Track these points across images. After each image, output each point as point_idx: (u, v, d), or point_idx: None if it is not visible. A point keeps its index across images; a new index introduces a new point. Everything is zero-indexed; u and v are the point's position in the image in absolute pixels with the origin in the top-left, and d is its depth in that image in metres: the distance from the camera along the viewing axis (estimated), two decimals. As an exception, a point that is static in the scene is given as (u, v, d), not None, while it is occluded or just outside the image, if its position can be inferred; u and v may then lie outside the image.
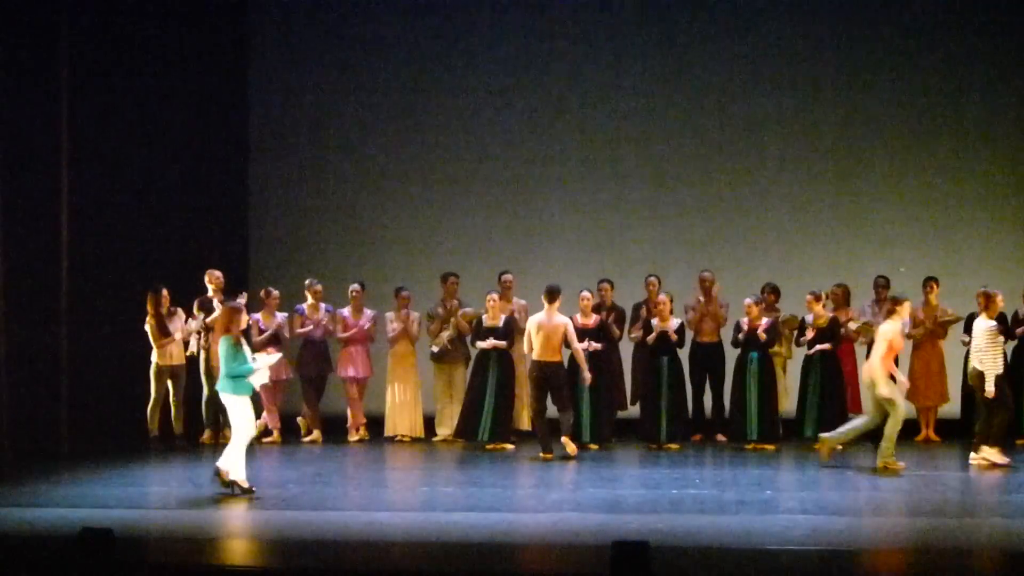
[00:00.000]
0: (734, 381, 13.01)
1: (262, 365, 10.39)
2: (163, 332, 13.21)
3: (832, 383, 12.90)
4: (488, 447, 12.88)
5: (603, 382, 12.94)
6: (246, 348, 10.42)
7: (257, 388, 10.51)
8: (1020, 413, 13.04)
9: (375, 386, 14.08)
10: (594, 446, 12.85)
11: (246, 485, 10.27)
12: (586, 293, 13.01)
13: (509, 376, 13.07)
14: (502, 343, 12.94)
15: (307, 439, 13.85)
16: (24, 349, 12.12)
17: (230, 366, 10.23)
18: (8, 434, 11.89)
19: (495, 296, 13.08)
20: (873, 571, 7.92)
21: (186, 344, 13.49)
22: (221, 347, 10.32)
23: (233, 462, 10.28)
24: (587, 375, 12.25)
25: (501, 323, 13.01)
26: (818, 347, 12.85)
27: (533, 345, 12.27)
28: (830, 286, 13.50)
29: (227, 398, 10.35)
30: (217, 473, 10.32)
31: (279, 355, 11.06)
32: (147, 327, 13.18)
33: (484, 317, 13.07)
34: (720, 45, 15.35)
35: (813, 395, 12.90)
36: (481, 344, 12.95)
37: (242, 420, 10.33)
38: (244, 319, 10.54)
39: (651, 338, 12.92)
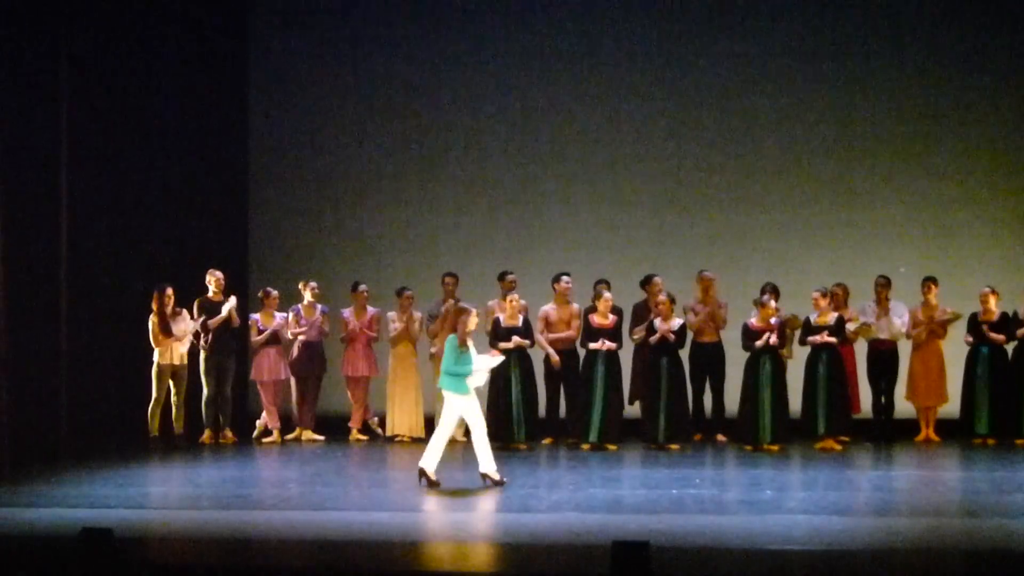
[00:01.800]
0: (745, 384, 12.96)
1: (483, 367, 10.56)
2: (165, 331, 13.22)
3: (839, 381, 12.90)
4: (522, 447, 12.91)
5: (616, 382, 12.96)
6: (472, 349, 10.53)
7: (474, 388, 10.63)
8: (1020, 413, 13.06)
9: (376, 386, 14.09)
10: (612, 446, 12.84)
11: (496, 477, 10.52)
12: (608, 294, 13.03)
13: (531, 373, 13.11)
14: (526, 342, 12.97)
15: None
16: (24, 349, 12.11)
17: (452, 365, 10.42)
18: (8, 434, 11.88)
19: (515, 296, 13.09)
20: (873, 571, 7.91)
21: (193, 343, 13.50)
22: (447, 346, 10.50)
23: (481, 456, 10.53)
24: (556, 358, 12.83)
25: (520, 322, 13.02)
26: (823, 338, 12.79)
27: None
28: (830, 286, 13.48)
29: (450, 396, 10.54)
30: (422, 474, 10.49)
31: (501, 357, 11.11)
32: (149, 325, 13.20)
33: (502, 317, 13.08)
34: (720, 45, 15.35)
35: (822, 393, 12.87)
36: (504, 345, 12.92)
37: (472, 414, 10.53)
38: (473, 321, 10.63)
39: (654, 339, 12.91)
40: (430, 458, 10.55)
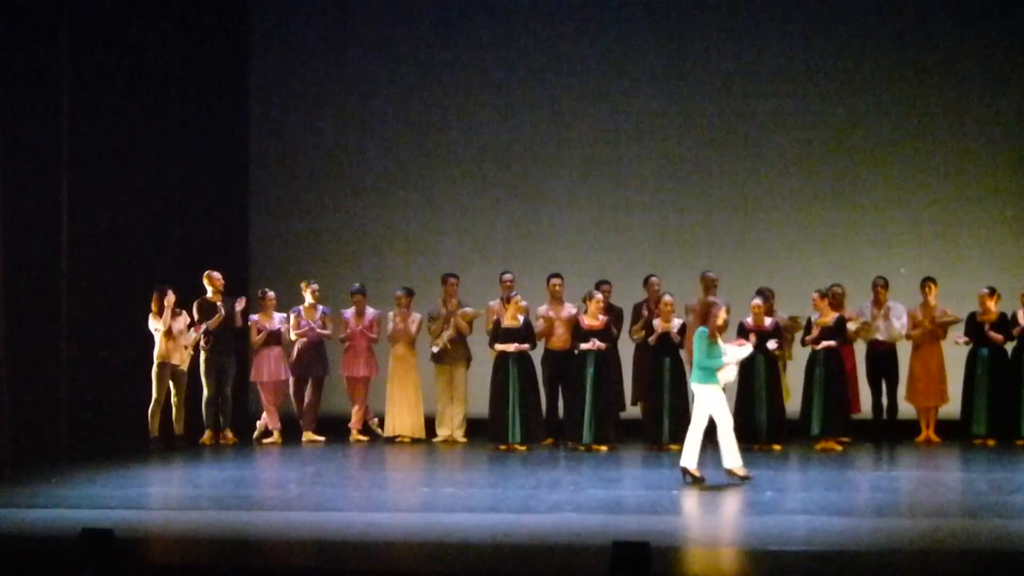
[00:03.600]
0: (740, 383, 12.97)
1: (732, 360, 10.56)
2: (165, 332, 13.19)
3: (837, 381, 12.90)
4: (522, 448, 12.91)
5: (607, 382, 12.95)
6: (721, 342, 10.56)
7: (725, 381, 10.68)
8: (1020, 414, 13.06)
9: (376, 386, 14.09)
10: (603, 447, 12.83)
11: (742, 473, 10.55)
12: (598, 295, 13.01)
13: (531, 375, 13.10)
14: (526, 346, 12.99)
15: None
16: (24, 349, 12.11)
17: (705, 359, 10.45)
18: (8, 434, 11.88)
19: (519, 297, 13.08)
20: (873, 571, 7.91)
21: (197, 345, 13.51)
22: (696, 340, 10.53)
23: (727, 451, 10.53)
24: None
25: (521, 324, 13.02)
26: (824, 344, 12.82)
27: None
28: (827, 286, 13.46)
29: (698, 388, 10.56)
30: (685, 472, 10.52)
31: (750, 348, 11.12)
32: (150, 325, 13.19)
33: (502, 319, 13.08)
34: (720, 45, 15.35)
35: (819, 394, 12.87)
36: (500, 347, 12.92)
37: (719, 408, 10.53)
38: (723, 314, 10.67)
39: (652, 339, 12.91)
40: (689, 455, 10.58)
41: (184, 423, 13.50)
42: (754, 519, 9.23)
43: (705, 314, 10.61)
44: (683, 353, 13.10)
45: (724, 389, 10.67)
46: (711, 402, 10.55)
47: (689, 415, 13.15)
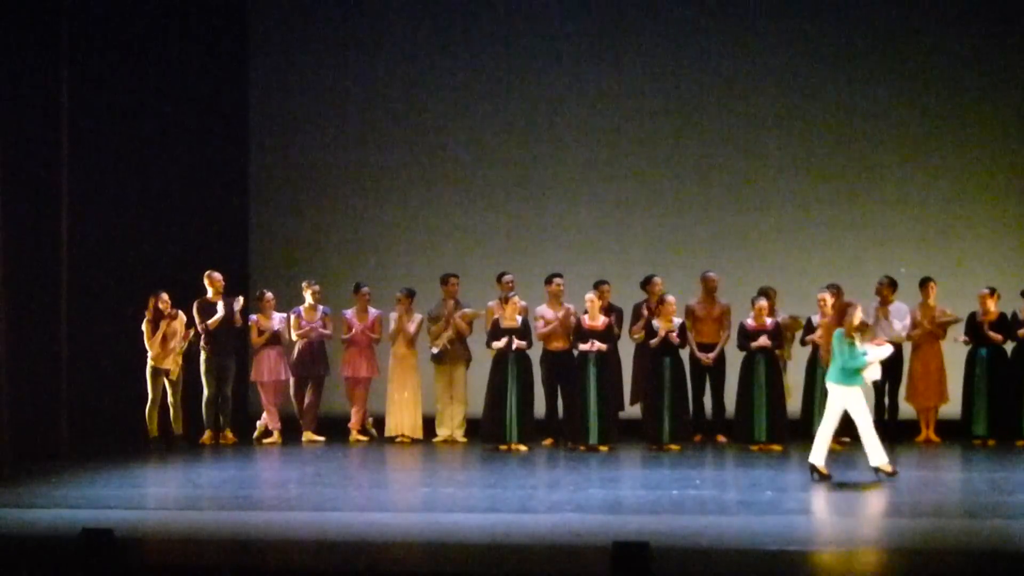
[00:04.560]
0: (740, 382, 12.99)
1: (875, 359, 10.61)
2: (153, 334, 13.18)
3: None
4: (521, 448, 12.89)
5: (607, 382, 12.95)
6: (857, 341, 10.59)
7: (871, 380, 10.79)
8: (1020, 414, 13.06)
9: (376, 386, 14.09)
10: (605, 447, 12.83)
11: (889, 469, 10.65)
12: (590, 295, 13.00)
13: (529, 375, 13.09)
14: (523, 343, 12.98)
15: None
16: (24, 349, 12.11)
17: (848, 359, 10.49)
18: (8, 434, 11.88)
19: (516, 297, 13.08)
20: (873, 571, 7.91)
21: (193, 344, 13.50)
22: (835, 341, 10.57)
23: (871, 449, 10.61)
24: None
25: (519, 323, 13.02)
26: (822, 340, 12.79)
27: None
28: (825, 286, 13.44)
29: (837, 389, 10.59)
30: (813, 469, 10.61)
31: (890, 348, 11.08)
32: (143, 329, 13.20)
33: (500, 318, 13.07)
34: (720, 45, 15.35)
35: (820, 393, 12.85)
36: (497, 344, 12.92)
37: (860, 408, 10.59)
38: (858, 314, 10.69)
39: (654, 342, 12.87)
40: (818, 453, 10.67)
41: (184, 423, 13.50)
42: (755, 519, 9.23)
43: (842, 315, 10.66)
44: (683, 353, 13.11)
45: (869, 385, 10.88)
46: (850, 402, 10.61)
47: (688, 415, 13.24)
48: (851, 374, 10.59)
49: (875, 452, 10.67)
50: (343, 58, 15.86)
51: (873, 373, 10.74)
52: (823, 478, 10.63)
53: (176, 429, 13.43)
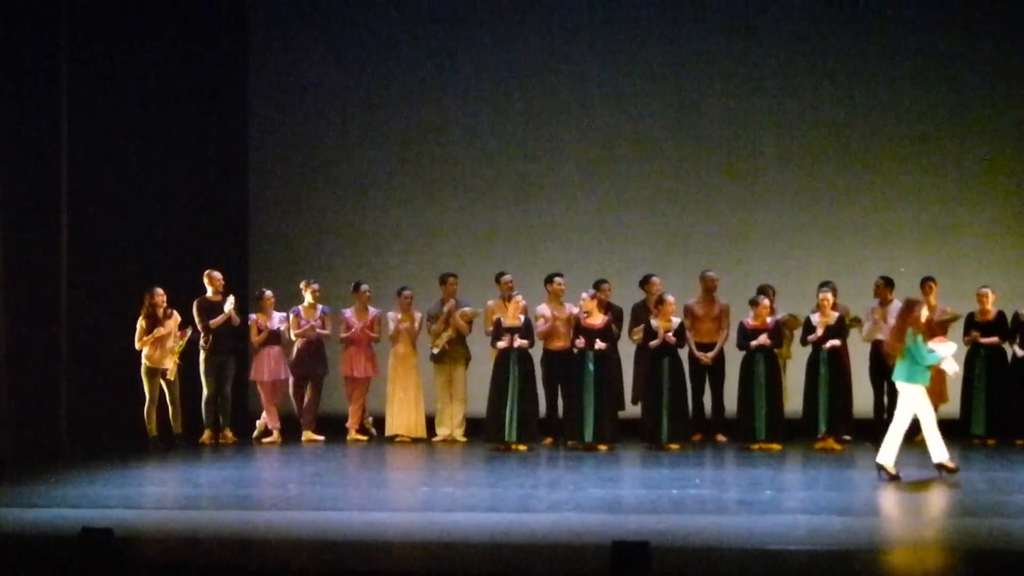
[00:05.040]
0: (740, 382, 12.99)
1: (946, 353, 10.66)
2: (148, 332, 13.17)
3: (840, 379, 12.90)
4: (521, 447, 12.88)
5: (607, 382, 12.96)
6: (921, 339, 10.64)
7: (952, 372, 10.93)
8: (1019, 414, 13.06)
9: (376, 386, 14.09)
10: (604, 447, 12.83)
11: (951, 465, 10.67)
12: (585, 294, 13.01)
13: (531, 374, 13.09)
14: (525, 342, 12.97)
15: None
16: (24, 349, 12.12)
17: (923, 357, 10.54)
18: (8, 434, 11.89)
19: (519, 297, 13.08)
20: (873, 571, 7.91)
21: (191, 343, 13.48)
22: (909, 340, 10.59)
23: (934, 447, 10.64)
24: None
25: (521, 322, 13.02)
26: (830, 343, 12.81)
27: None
28: (822, 284, 13.43)
29: (908, 388, 10.64)
30: (881, 468, 10.66)
31: (954, 345, 11.08)
32: (137, 327, 13.19)
33: (502, 317, 13.07)
34: (720, 45, 15.34)
35: (823, 393, 12.86)
36: (501, 344, 12.93)
37: (925, 406, 10.67)
38: (924, 311, 10.75)
39: (654, 343, 12.87)
40: (888, 453, 10.69)
41: (183, 422, 13.50)
42: (755, 519, 9.23)
43: (909, 313, 10.67)
44: (682, 352, 13.11)
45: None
46: (917, 400, 10.66)
47: (688, 415, 13.23)
48: (921, 372, 10.62)
49: (938, 449, 10.71)
50: (343, 58, 15.86)
51: (952, 366, 10.83)
52: (892, 478, 10.65)
53: (176, 428, 13.43)
